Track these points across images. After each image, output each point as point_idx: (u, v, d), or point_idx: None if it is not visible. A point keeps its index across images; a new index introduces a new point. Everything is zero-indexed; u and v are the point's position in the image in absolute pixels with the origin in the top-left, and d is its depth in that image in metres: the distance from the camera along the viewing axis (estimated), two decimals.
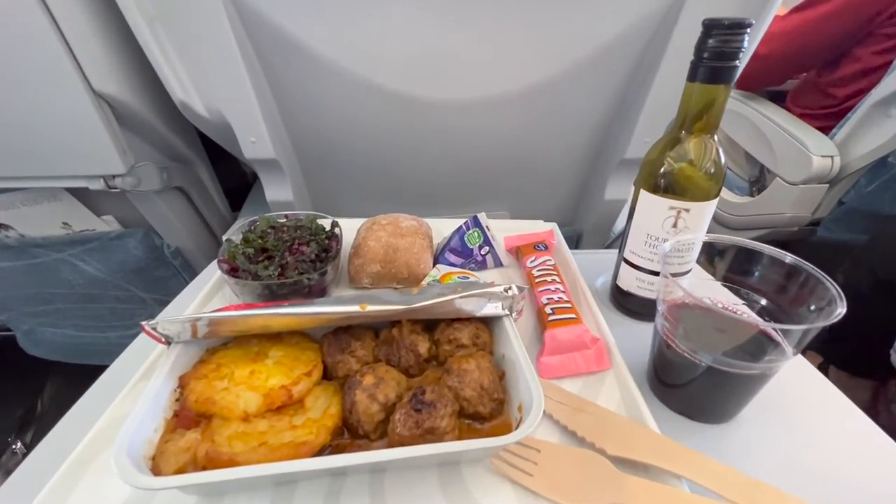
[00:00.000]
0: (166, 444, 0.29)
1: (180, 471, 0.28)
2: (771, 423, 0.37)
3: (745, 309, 0.37)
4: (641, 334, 0.42)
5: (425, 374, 0.37)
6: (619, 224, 0.88)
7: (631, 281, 0.46)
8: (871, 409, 0.90)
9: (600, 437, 0.33)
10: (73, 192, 0.70)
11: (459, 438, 0.30)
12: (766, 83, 1.19)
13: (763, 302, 0.37)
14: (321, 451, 0.30)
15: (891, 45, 0.95)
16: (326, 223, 0.52)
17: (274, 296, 0.45)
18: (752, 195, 1.21)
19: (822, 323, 0.29)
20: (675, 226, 0.40)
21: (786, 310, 0.35)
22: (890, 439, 0.36)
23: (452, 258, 0.54)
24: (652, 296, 0.45)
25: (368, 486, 0.31)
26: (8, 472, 0.34)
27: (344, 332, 0.37)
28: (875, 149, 0.92)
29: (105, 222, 0.76)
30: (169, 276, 0.86)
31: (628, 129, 0.68)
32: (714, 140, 0.38)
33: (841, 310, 0.29)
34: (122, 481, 0.25)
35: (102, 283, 0.83)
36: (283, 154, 0.68)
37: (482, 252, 0.54)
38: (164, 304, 0.52)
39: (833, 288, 0.31)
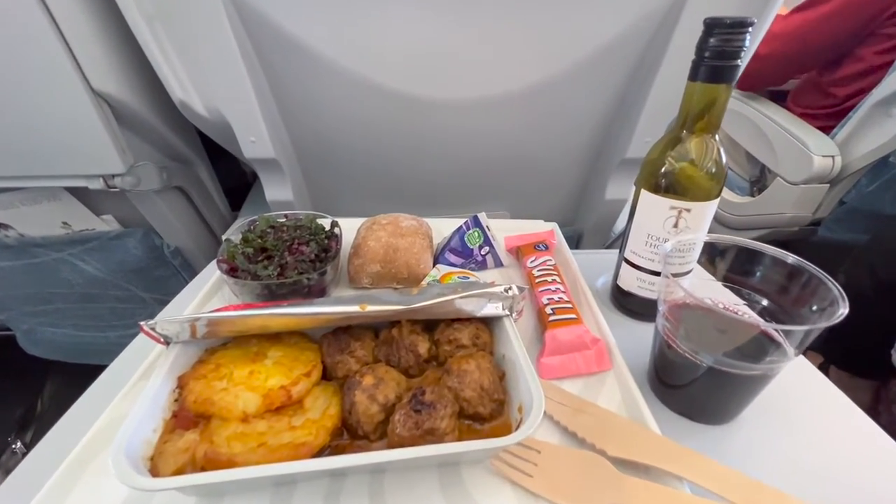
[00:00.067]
0: (165, 444, 0.29)
1: (179, 471, 0.27)
2: (772, 424, 0.37)
3: (747, 309, 0.37)
4: (642, 335, 0.42)
5: (425, 374, 0.37)
6: (620, 224, 0.87)
7: (632, 281, 0.46)
8: (872, 410, 0.90)
9: (601, 438, 0.33)
10: (73, 191, 0.70)
11: (459, 439, 0.30)
12: (768, 83, 1.19)
13: (764, 302, 0.37)
14: (320, 452, 0.29)
15: (891, 44, 0.95)
16: (326, 223, 0.52)
17: (273, 296, 0.44)
18: (752, 195, 1.21)
19: (823, 324, 0.28)
20: (676, 226, 0.40)
21: (787, 310, 0.35)
22: (891, 440, 0.36)
23: (452, 258, 0.54)
24: (653, 296, 0.45)
25: (368, 486, 0.31)
26: (8, 472, 0.34)
27: (343, 332, 0.37)
28: (876, 148, 0.92)
29: (105, 222, 0.76)
30: (169, 275, 0.85)
31: (629, 128, 0.67)
32: (715, 140, 0.38)
33: (843, 310, 0.29)
34: (120, 482, 0.24)
35: (102, 283, 0.83)
36: (283, 154, 0.68)
37: (482, 252, 0.54)
38: (163, 303, 0.52)
39: (835, 288, 0.31)
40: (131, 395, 0.35)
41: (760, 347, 0.33)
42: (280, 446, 0.28)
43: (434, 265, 0.52)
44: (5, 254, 0.77)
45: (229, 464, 0.27)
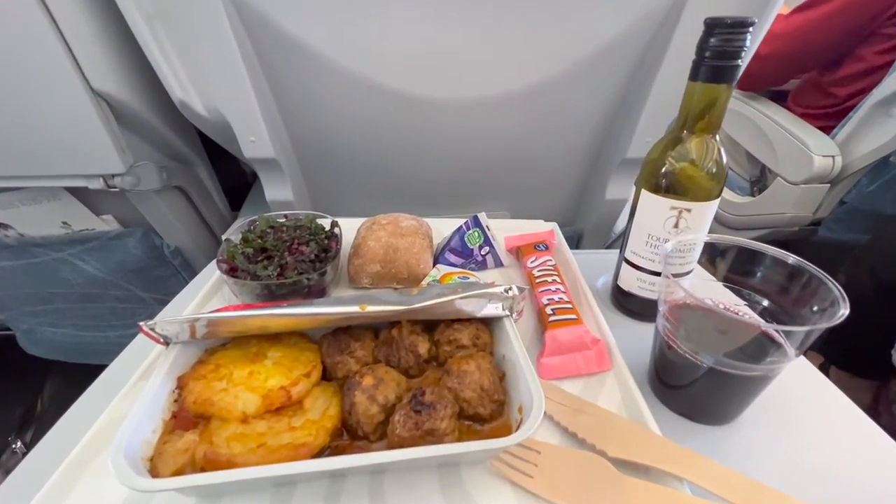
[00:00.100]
0: (164, 445, 0.29)
1: (178, 472, 0.27)
2: (772, 425, 0.37)
3: (747, 310, 0.37)
4: (642, 335, 0.42)
5: (425, 375, 0.37)
6: (620, 224, 0.87)
7: (632, 281, 0.46)
8: (872, 410, 0.90)
9: (601, 438, 0.32)
10: (73, 191, 0.69)
11: (459, 440, 0.30)
12: (768, 83, 1.19)
13: (765, 303, 0.37)
14: (320, 453, 0.29)
15: (892, 44, 0.95)
16: (326, 223, 0.52)
17: (273, 296, 0.44)
18: (753, 195, 1.21)
19: (824, 324, 0.28)
20: (676, 226, 0.40)
21: (788, 311, 0.35)
22: (891, 440, 0.36)
23: (452, 258, 0.54)
24: (653, 296, 0.45)
25: (368, 487, 0.31)
26: (8, 472, 0.34)
27: (343, 332, 0.37)
28: (876, 148, 0.92)
29: (104, 222, 0.76)
30: (168, 275, 0.85)
31: (629, 128, 0.67)
32: (716, 140, 0.38)
33: (844, 311, 0.29)
34: (119, 483, 0.24)
35: (102, 283, 0.83)
36: (283, 153, 0.68)
37: (482, 252, 0.54)
38: (163, 303, 0.52)
39: (836, 289, 0.31)
40: (131, 395, 0.35)
41: (761, 348, 0.33)
42: (280, 447, 0.28)
43: (434, 265, 0.52)
44: (5, 254, 0.77)
45: (229, 464, 0.27)
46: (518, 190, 0.81)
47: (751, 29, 0.33)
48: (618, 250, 0.48)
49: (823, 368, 0.97)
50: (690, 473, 0.29)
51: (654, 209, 0.41)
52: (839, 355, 0.98)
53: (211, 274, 0.50)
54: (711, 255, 0.38)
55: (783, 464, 0.34)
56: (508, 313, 0.37)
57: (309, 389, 0.33)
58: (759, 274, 0.37)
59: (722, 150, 0.38)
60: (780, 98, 1.18)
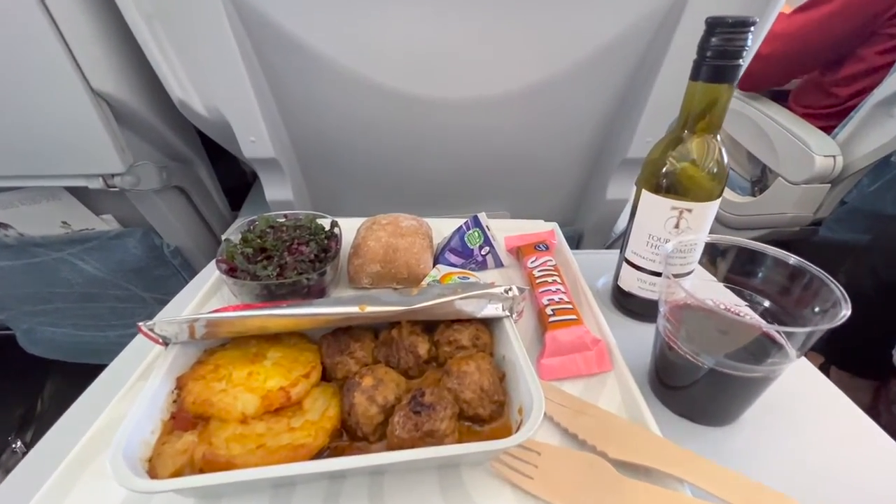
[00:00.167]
0: (163, 445, 0.29)
1: (177, 473, 0.27)
2: (773, 426, 0.37)
3: (748, 311, 0.37)
4: (643, 336, 0.42)
5: (425, 375, 0.36)
6: (621, 224, 0.87)
7: (632, 282, 0.46)
8: (873, 410, 0.90)
9: (601, 439, 0.32)
10: (73, 191, 0.69)
11: (459, 441, 0.30)
12: (769, 83, 1.19)
13: (766, 303, 0.37)
14: (320, 454, 0.29)
15: (893, 44, 0.95)
16: (326, 223, 0.52)
17: (272, 296, 0.44)
18: (753, 195, 1.21)
19: (826, 325, 0.28)
20: (677, 226, 0.40)
21: (789, 311, 0.35)
22: (891, 440, 0.36)
23: (452, 258, 0.54)
24: (654, 297, 0.45)
25: (367, 488, 0.30)
26: (8, 472, 0.34)
27: (343, 333, 0.37)
28: (877, 148, 0.92)
29: (104, 221, 0.76)
30: (168, 275, 0.85)
31: (630, 128, 0.67)
32: (717, 140, 0.38)
33: (845, 312, 0.29)
34: (118, 484, 0.24)
35: (102, 283, 0.83)
36: (283, 153, 0.68)
37: (482, 252, 0.54)
38: (163, 303, 0.52)
39: (837, 290, 0.31)
40: (130, 395, 0.35)
41: (762, 349, 0.33)
42: (279, 448, 0.28)
43: (434, 265, 0.52)
44: (5, 253, 0.77)
45: (228, 465, 0.27)
46: (518, 190, 0.81)
47: (752, 28, 0.33)
48: (618, 250, 0.48)
49: (824, 368, 0.97)
50: (691, 475, 0.29)
51: (655, 209, 0.40)
52: (839, 355, 0.98)
53: (210, 274, 0.50)
54: (712, 256, 0.38)
55: (784, 464, 0.34)
56: (508, 314, 0.37)
57: (308, 390, 0.33)
58: (760, 274, 0.37)
59: (723, 151, 0.38)
60: (781, 98, 1.18)
